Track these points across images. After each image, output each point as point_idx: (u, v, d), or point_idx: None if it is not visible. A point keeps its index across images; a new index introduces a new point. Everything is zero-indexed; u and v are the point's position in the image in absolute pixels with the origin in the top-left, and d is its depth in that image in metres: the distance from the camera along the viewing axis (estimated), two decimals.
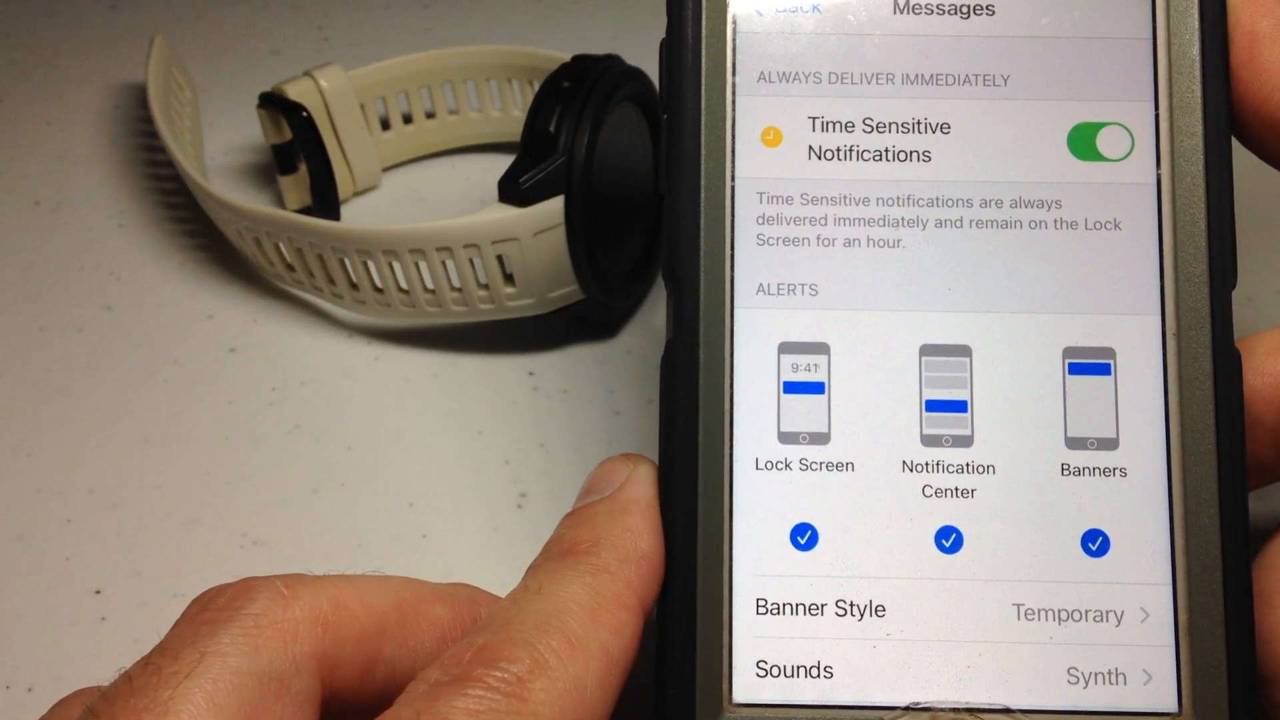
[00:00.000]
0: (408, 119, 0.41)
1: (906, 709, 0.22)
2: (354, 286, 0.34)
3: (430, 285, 0.33)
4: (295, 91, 0.38)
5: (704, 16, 0.24)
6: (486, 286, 0.33)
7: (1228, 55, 0.23)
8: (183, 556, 0.31)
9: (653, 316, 0.36)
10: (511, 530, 0.31)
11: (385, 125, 0.41)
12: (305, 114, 0.37)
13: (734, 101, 0.24)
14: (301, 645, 0.19)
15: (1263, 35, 0.22)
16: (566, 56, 0.36)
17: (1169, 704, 0.22)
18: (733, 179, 0.24)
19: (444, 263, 0.33)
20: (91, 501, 0.32)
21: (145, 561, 0.31)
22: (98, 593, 0.30)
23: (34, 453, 0.33)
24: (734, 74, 0.24)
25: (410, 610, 0.21)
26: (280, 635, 0.19)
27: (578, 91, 0.33)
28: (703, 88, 0.24)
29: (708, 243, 0.23)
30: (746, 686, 0.22)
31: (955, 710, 0.22)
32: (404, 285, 0.34)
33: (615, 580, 0.21)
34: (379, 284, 0.34)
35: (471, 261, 0.33)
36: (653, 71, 0.36)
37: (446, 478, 0.32)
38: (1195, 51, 0.24)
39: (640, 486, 0.22)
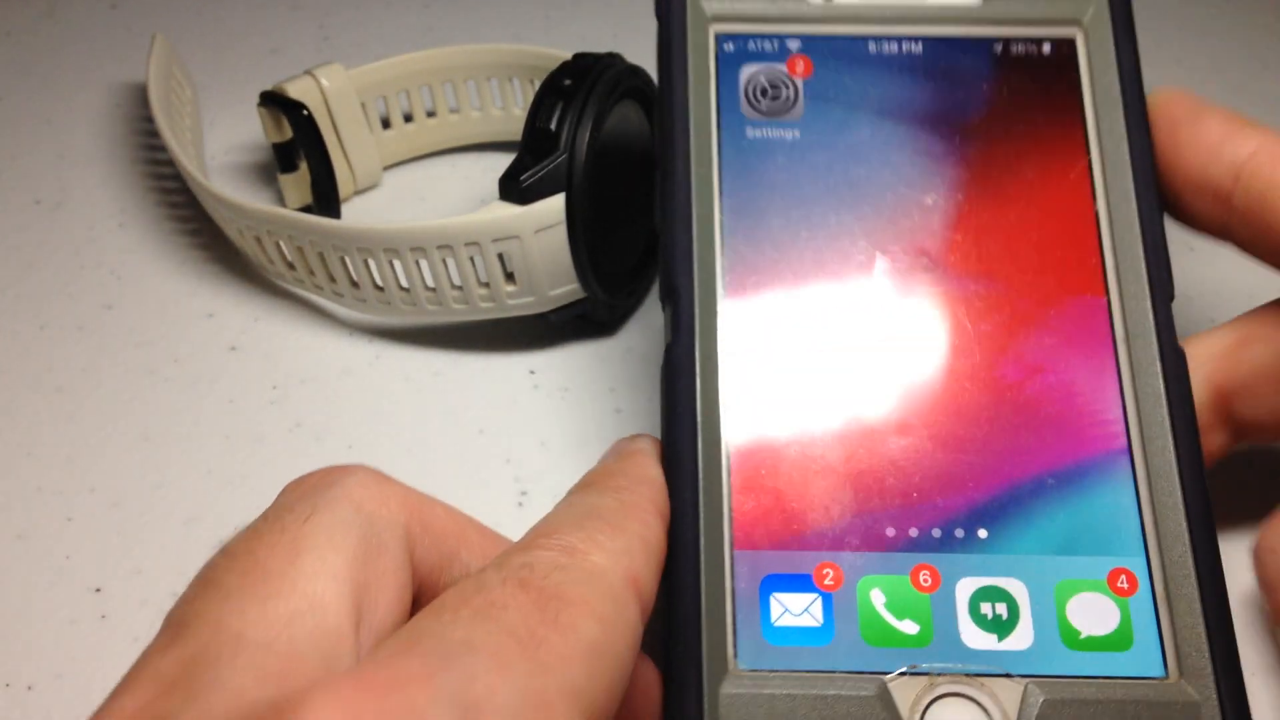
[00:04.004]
0: (408, 118, 0.41)
1: (903, 673, 0.23)
2: (355, 285, 0.34)
3: (431, 283, 0.33)
4: (296, 90, 0.38)
5: (690, 82, 0.28)
6: (487, 285, 0.33)
7: (1150, 136, 0.27)
8: (183, 555, 0.31)
9: (653, 315, 0.36)
10: (512, 529, 0.31)
11: (386, 124, 0.41)
12: (306, 112, 0.37)
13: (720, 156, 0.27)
14: (394, 514, 0.21)
15: (1180, 119, 0.27)
16: (567, 54, 0.36)
17: (1155, 669, 0.23)
18: (721, 212, 0.27)
19: (445, 261, 0.33)
20: (92, 500, 0.32)
21: (146, 560, 0.31)
22: (98, 591, 0.30)
23: (34, 451, 0.33)
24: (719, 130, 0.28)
25: (490, 534, 0.23)
26: (376, 501, 0.21)
27: (578, 89, 0.33)
28: (692, 144, 0.27)
29: (700, 264, 0.26)
30: (749, 653, 0.23)
31: (954, 676, 0.23)
32: (405, 283, 0.34)
33: (635, 493, 0.23)
34: (380, 282, 0.34)
35: (472, 260, 0.33)
36: (653, 69, 0.36)
37: (447, 477, 0.32)
38: (1122, 129, 0.27)
39: (641, 442, 0.25)
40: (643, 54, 0.37)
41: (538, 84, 0.36)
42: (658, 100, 0.28)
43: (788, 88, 0.28)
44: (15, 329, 0.36)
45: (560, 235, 0.32)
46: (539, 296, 0.33)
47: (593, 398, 0.34)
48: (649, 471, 0.24)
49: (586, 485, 0.24)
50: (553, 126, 0.32)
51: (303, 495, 0.21)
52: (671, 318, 0.26)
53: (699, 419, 0.25)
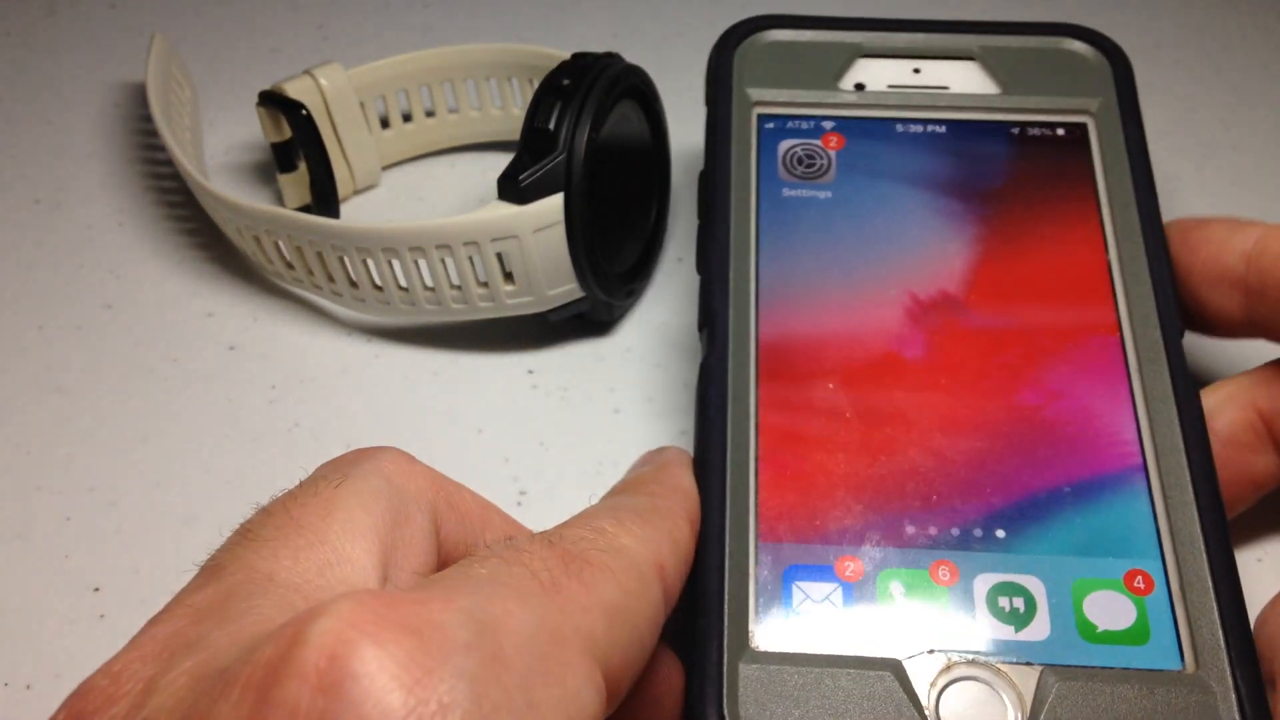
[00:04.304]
0: (407, 117, 0.41)
1: (920, 655, 0.24)
2: (353, 284, 0.34)
3: (429, 283, 0.33)
4: (295, 90, 0.38)
5: (733, 152, 0.31)
6: (486, 284, 0.33)
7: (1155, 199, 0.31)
8: (182, 554, 0.31)
9: (652, 314, 0.36)
10: None
11: (385, 123, 0.41)
12: (305, 112, 0.37)
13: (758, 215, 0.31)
14: (422, 489, 0.22)
15: (1189, 227, 0.30)
16: (566, 54, 0.36)
17: (1171, 662, 0.24)
18: (757, 252, 0.30)
19: (443, 260, 0.33)
20: (91, 499, 0.32)
21: (144, 559, 0.31)
22: (97, 590, 0.30)
23: (33, 451, 0.33)
24: (758, 194, 0.31)
25: (512, 521, 0.24)
26: (404, 476, 0.22)
27: (577, 89, 0.33)
28: (732, 198, 0.31)
29: (736, 292, 0.29)
30: (770, 635, 0.24)
31: (971, 661, 0.24)
32: (403, 283, 0.34)
33: (669, 499, 0.25)
34: (378, 282, 0.34)
35: (471, 259, 0.33)
36: (652, 69, 0.36)
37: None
38: (1130, 194, 0.30)
39: (672, 452, 0.27)
40: (642, 54, 0.37)
41: (537, 84, 0.36)
42: (705, 165, 0.31)
43: (822, 158, 0.32)
44: (14, 329, 0.36)
45: (559, 235, 0.32)
46: (537, 296, 0.33)
47: (591, 397, 0.34)
48: (682, 482, 0.26)
49: (622, 489, 0.26)
50: (551, 126, 0.32)
51: (336, 467, 0.22)
52: (708, 337, 0.28)
53: (729, 418, 0.27)
